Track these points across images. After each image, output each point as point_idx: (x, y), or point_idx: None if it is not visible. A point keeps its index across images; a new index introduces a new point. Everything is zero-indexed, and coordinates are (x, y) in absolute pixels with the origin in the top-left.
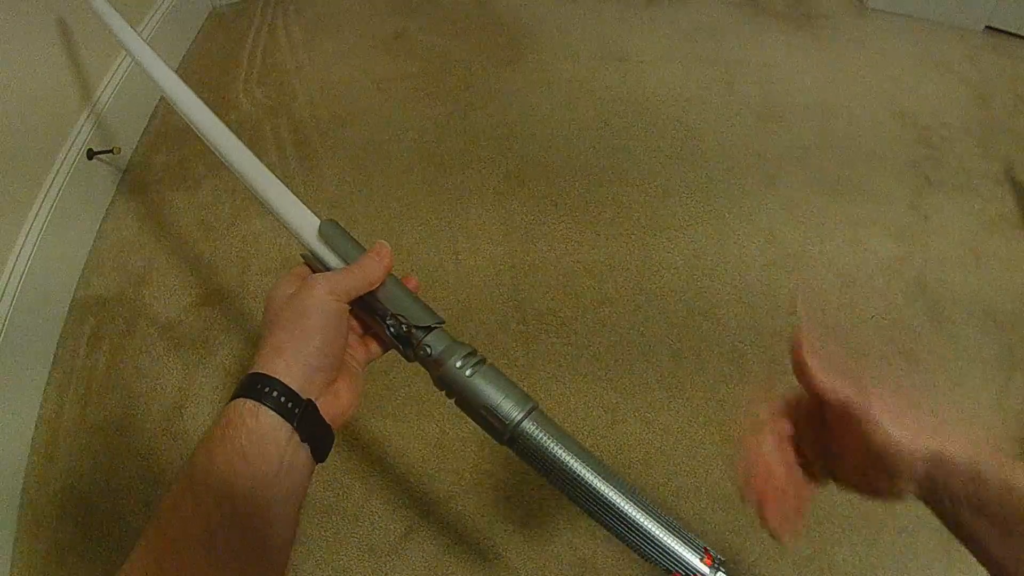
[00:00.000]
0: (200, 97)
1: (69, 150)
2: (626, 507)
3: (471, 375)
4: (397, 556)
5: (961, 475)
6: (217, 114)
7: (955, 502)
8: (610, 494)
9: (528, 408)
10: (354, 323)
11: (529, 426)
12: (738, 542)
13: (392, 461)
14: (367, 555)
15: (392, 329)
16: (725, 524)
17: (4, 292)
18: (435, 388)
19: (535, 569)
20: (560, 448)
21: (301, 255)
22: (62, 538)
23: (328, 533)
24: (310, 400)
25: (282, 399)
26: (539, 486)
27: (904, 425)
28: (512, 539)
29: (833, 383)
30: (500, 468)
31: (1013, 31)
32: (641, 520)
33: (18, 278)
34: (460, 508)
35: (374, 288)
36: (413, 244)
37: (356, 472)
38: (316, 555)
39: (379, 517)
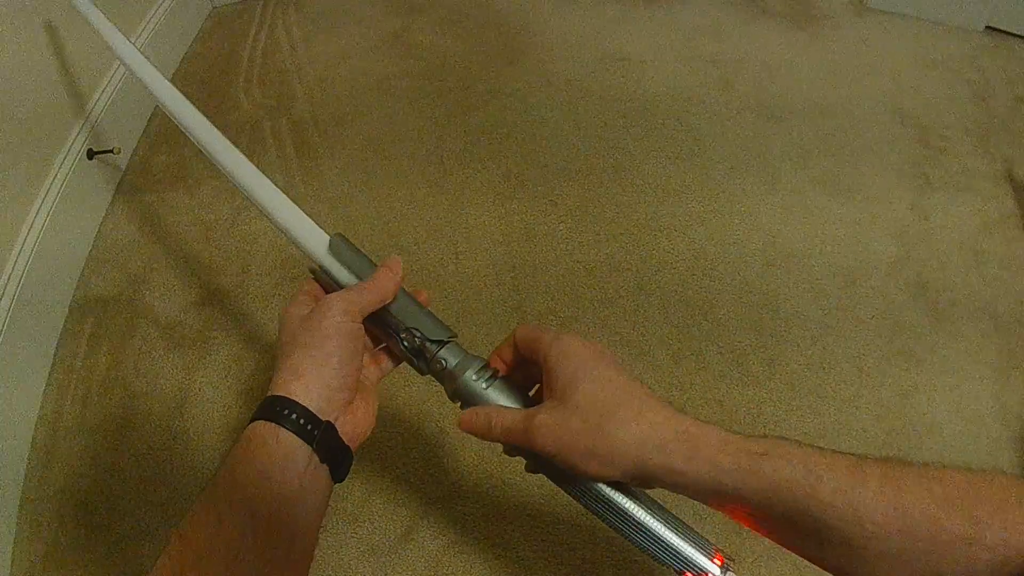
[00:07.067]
0: (200, 98)
1: (69, 150)
2: (640, 514)
3: (486, 387)
4: (397, 556)
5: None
6: (217, 114)
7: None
8: (624, 502)
9: None
10: (366, 339)
11: None
12: (738, 542)
13: (392, 461)
14: (367, 555)
15: (406, 343)
16: (725, 524)
17: (4, 292)
18: (450, 400)
19: (536, 570)
20: None
21: (310, 269)
22: (62, 538)
23: (328, 533)
24: (329, 422)
25: (301, 421)
26: (539, 487)
27: (565, 445)
28: (513, 540)
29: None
30: (501, 469)
31: (1013, 31)
32: (654, 526)
33: (18, 278)
34: (461, 508)
35: (387, 303)
36: (413, 244)
37: (356, 472)
38: (316, 555)
39: (379, 517)
